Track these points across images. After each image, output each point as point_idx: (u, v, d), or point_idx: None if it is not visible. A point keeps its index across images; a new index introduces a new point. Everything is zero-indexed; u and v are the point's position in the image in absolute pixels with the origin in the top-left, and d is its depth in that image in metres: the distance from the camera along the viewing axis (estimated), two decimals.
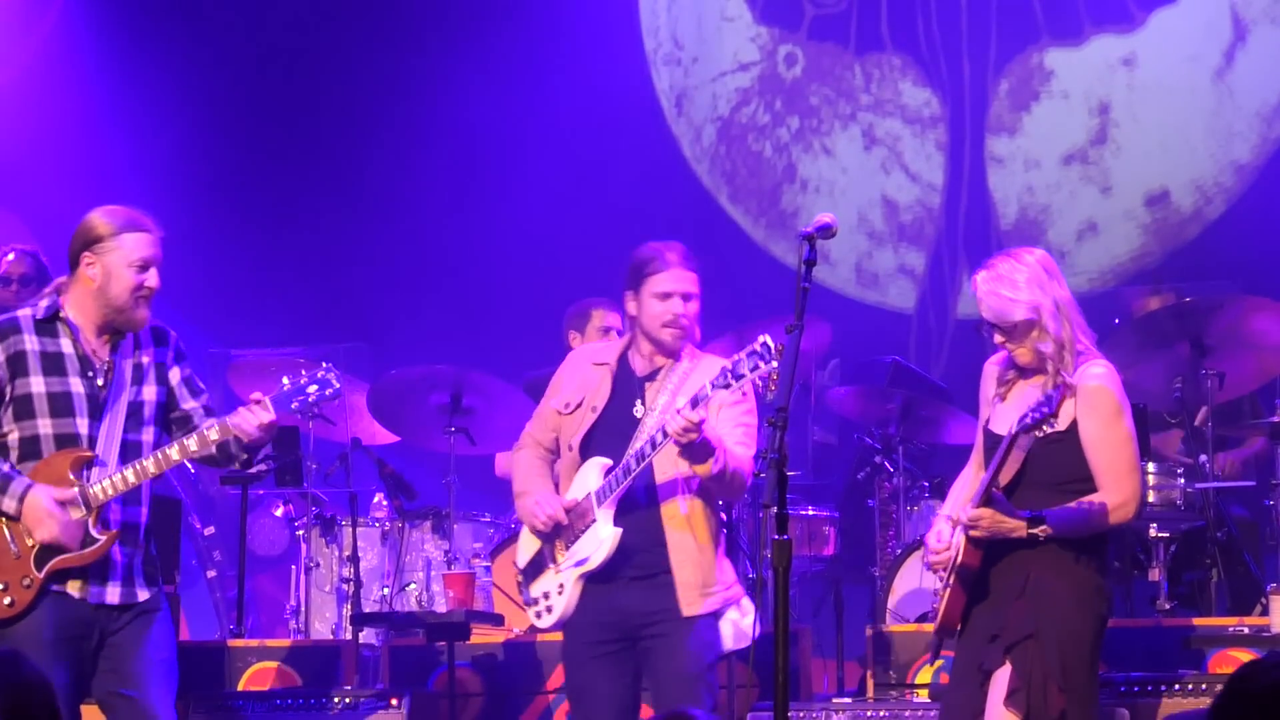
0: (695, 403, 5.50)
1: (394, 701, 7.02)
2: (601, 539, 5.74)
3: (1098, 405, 5.36)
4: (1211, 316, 7.51)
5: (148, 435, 5.66)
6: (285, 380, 5.64)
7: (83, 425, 5.57)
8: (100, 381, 5.61)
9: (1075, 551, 5.37)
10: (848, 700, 7.05)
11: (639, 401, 5.84)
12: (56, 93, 10.98)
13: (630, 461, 5.69)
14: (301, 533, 8.40)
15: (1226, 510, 7.77)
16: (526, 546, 6.00)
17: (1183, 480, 7.62)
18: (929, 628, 6.17)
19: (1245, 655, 6.75)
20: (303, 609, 8.24)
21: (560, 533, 5.84)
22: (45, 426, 5.57)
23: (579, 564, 5.78)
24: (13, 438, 5.60)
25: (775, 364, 5.33)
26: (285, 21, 11.09)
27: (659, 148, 11.23)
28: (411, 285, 10.95)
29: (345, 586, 8.06)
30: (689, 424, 5.46)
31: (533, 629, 6.83)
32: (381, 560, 8.34)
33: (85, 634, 5.55)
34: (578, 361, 6.12)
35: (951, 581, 5.44)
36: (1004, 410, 5.49)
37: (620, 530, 5.72)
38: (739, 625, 5.83)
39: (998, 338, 5.46)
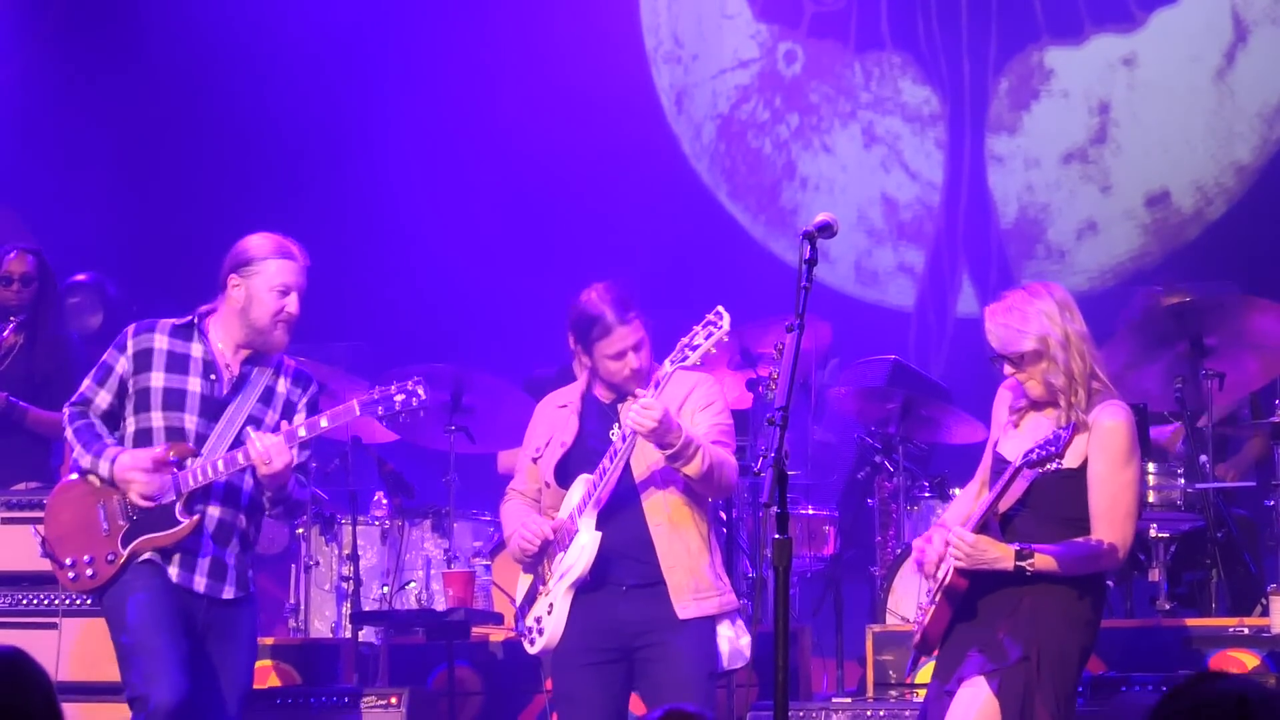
0: (655, 385, 5.59)
1: (393, 700, 7.02)
2: (582, 545, 5.74)
3: (1110, 445, 5.31)
4: (1212, 316, 7.49)
5: None
6: (376, 390, 5.92)
7: (191, 421, 5.84)
8: (225, 389, 5.86)
9: (1074, 589, 5.33)
10: (847, 700, 7.05)
11: (616, 425, 5.82)
12: (53, 91, 10.97)
13: (604, 464, 5.71)
14: (301, 531, 8.39)
15: (1226, 510, 7.76)
16: (522, 584, 6.03)
17: (1183, 480, 7.62)
18: None
19: (1245, 655, 6.76)
20: (302, 607, 8.23)
21: (550, 556, 5.85)
22: (157, 419, 5.85)
23: (563, 576, 5.79)
24: (130, 429, 5.88)
25: (726, 330, 5.47)
26: (288, 17, 11.08)
27: (659, 145, 11.22)
28: (412, 285, 10.93)
29: (345, 585, 8.05)
30: (647, 401, 5.50)
31: None
32: (381, 559, 8.33)
33: (183, 609, 5.76)
34: (542, 411, 6.15)
35: (938, 599, 5.40)
36: (1015, 437, 5.45)
37: (600, 534, 5.72)
38: (735, 644, 5.82)
39: (1007, 369, 5.41)
